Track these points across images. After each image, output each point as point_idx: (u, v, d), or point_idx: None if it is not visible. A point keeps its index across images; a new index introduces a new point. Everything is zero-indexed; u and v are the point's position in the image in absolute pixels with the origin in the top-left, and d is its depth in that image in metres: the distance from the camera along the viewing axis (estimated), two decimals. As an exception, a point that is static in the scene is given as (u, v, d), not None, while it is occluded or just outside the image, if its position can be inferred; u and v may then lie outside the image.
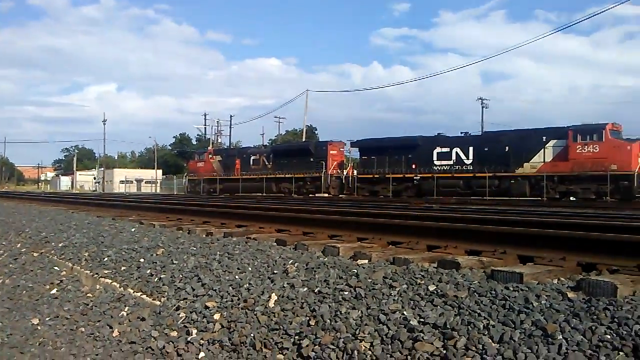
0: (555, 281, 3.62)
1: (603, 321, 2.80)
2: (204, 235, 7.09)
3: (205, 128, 74.13)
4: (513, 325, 2.88)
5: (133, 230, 8.12)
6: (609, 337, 2.64)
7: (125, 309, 4.67)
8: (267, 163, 38.64)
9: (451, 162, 28.47)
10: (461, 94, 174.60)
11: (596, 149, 24.04)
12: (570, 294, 3.25)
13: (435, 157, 29.09)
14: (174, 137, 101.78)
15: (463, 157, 28.17)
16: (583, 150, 24.34)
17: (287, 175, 36.07)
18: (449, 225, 5.61)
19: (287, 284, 4.02)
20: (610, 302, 3.03)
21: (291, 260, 4.74)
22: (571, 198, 24.34)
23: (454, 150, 28.45)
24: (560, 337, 2.69)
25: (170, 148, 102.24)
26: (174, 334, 3.97)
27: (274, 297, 3.83)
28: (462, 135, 29.49)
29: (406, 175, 29.96)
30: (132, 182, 75.86)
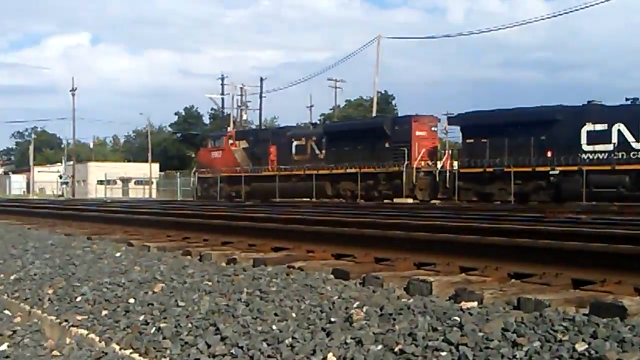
0: None
1: None
2: (224, 264, 7.18)
3: (222, 99, 75.47)
4: None
5: (118, 255, 8.32)
6: None
7: (109, 375, 4.78)
8: (317, 151, 38.93)
9: (611, 147, 27.78)
10: (626, 37, 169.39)
11: None
12: None
13: (584, 140, 28.49)
14: (176, 113, 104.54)
15: (630, 138, 27.41)
16: None
17: (348, 171, 36.24)
18: (607, 247, 5.48)
19: (352, 338, 4.03)
20: None
21: (357, 302, 4.74)
22: None
23: (615, 127, 27.76)
24: None
25: (171, 130, 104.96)
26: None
27: (331, 358, 3.86)
28: (629, 103, 28.71)
29: (536, 169, 29.49)
30: (115, 182, 78.28)
